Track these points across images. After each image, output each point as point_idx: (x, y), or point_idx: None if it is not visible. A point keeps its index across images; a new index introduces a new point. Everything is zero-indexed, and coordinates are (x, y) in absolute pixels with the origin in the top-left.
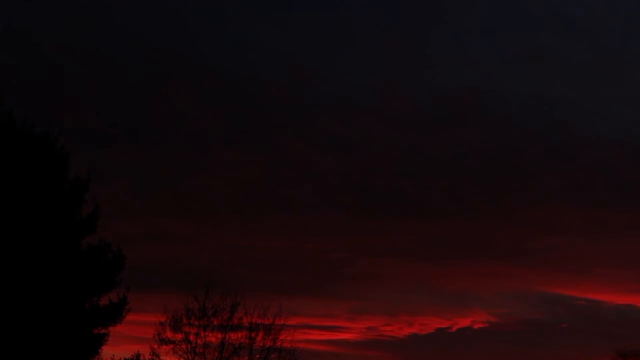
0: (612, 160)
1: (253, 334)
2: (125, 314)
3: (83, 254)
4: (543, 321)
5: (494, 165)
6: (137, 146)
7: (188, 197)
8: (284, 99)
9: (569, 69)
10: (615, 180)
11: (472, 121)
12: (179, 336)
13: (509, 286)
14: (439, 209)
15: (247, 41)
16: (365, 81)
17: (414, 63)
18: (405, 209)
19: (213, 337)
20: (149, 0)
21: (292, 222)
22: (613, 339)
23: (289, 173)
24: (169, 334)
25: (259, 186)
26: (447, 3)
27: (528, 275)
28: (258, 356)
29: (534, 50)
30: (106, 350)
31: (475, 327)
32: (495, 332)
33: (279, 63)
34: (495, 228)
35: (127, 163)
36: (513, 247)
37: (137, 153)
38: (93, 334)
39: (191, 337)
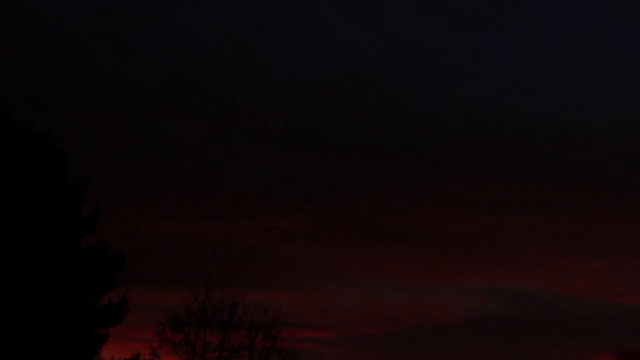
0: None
1: (253, 334)
2: (125, 314)
3: (83, 254)
4: (518, 317)
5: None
6: None
7: None
8: (155, 65)
9: (461, 28)
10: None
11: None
12: (179, 336)
13: (483, 281)
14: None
15: (118, 6)
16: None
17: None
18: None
19: (213, 337)
20: None
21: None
22: (595, 336)
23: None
24: (169, 334)
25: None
26: None
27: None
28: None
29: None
30: (106, 350)
31: (452, 323)
32: (472, 327)
33: (155, 29)
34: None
35: None
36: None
37: None
38: (93, 334)
39: (191, 337)
